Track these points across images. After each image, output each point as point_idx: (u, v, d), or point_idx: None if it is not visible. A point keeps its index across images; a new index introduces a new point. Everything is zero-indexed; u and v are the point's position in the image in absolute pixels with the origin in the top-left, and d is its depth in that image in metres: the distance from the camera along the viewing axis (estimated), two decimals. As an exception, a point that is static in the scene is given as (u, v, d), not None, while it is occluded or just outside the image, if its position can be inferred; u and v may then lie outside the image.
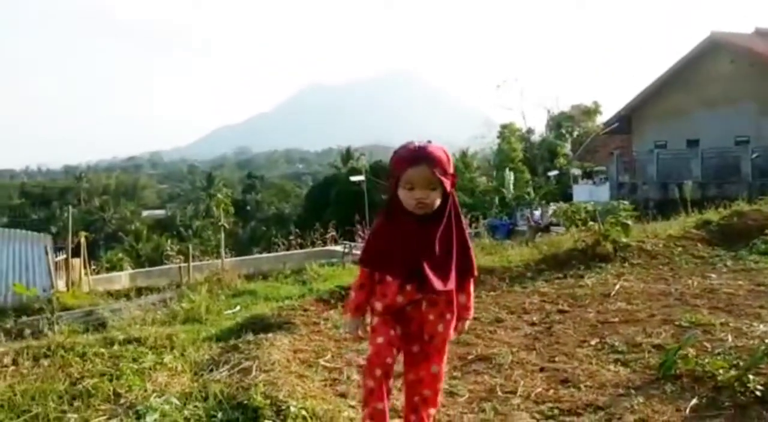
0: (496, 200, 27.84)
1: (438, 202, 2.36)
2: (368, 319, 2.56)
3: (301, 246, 21.35)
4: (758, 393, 2.97)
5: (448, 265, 2.38)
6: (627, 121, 29.42)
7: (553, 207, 16.54)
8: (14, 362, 3.89)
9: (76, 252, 15.79)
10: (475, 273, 2.54)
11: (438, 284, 2.35)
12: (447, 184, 2.34)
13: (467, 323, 2.64)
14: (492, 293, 5.84)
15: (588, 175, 31.33)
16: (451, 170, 2.37)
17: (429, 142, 2.40)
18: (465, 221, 2.53)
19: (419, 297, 2.41)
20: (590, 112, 43.49)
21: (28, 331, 6.66)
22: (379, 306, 2.45)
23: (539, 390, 3.28)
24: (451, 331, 2.51)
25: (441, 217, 2.39)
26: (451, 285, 2.39)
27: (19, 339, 5.82)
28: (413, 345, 2.51)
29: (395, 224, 2.41)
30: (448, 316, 2.47)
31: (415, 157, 2.33)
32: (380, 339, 2.44)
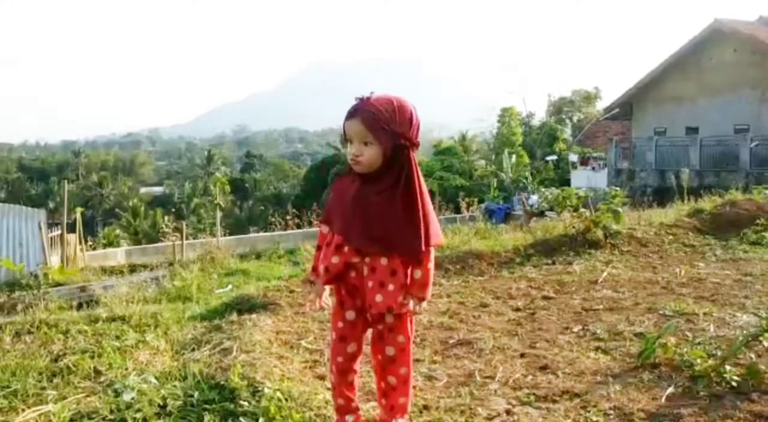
0: (494, 184, 27.79)
1: (377, 159, 2.16)
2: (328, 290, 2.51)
3: (298, 227, 21.35)
4: (734, 383, 2.99)
5: (391, 230, 2.19)
6: (627, 107, 29.29)
7: (547, 192, 16.53)
8: (-3, 338, 3.90)
9: (72, 228, 15.77)
10: (432, 244, 2.27)
11: (367, 244, 2.21)
12: (385, 140, 2.13)
13: (423, 304, 2.38)
14: (480, 278, 5.85)
15: (586, 160, 31.26)
16: (397, 128, 2.14)
17: (372, 93, 2.20)
18: (424, 187, 2.25)
19: (356, 260, 2.25)
20: (591, 97, 43.33)
21: (20, 306, 6.69)
22: (321, 268, 2.32)
23: (518, 375, 3.29)
24: (396, 305, 2.27)
25: (386, 177, 2.18)
26: (389, 249, 2.21)
27: (12, 314, 5.85)
28: (366, 315, 2.36)
29: (344, 181, 2.31)
30: (391, 287, 2.24)
31: (352, 110, 2.17)
32: (335, 335, 2.38)
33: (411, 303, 2.32)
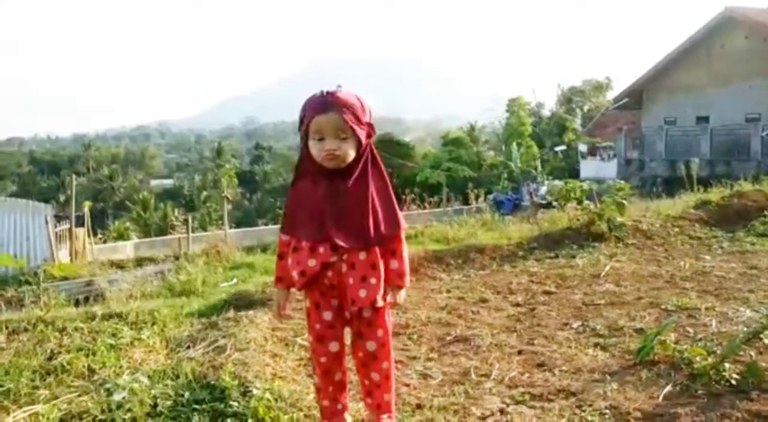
0: (503, 174, 27.66)
1: (351, 153, 2.15)
2: (298, 295, 2.49)
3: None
4: (733, 381, 2.94)
5: (365, 223, 2.18)
6: (637, 96, 29.04)
7: (557, 183, 16.42)
8: (-7, 336, 3.90)
9: (81, 222, 15.85)
10: (402, 229, 2.29)
11: (345, 240, 2.17)
12: (361, 133, 2.14)
13: (403, 293, 2.35)
14: (481, 272, 5.81)
15: (595, 150, 31.05)
16: (366, 119, 2.17)
17: (339, 87, 2.18)
18: (385, 174, 2.27)
19: (334, 259, 2.20)
20: (601, 87, 43.02)
21: (28, 301, 6.72)
22: (295, 274, 2.25)
23: (514, 373, 3.25)
24: (379, 298, 2.25)
25: (354, 171, 2.18)
26: (368, 241, 2.20)
27: (19, 309, 5.87)
28: (343, 313, 2.32)
29: (305, 184, 2.24)
30: (373, 281, 2.22)
31: (324, 102, 2.12)
32: (313, 336, 2.34)
33: (392, 295, 2.30)
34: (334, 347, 2.33)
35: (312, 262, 2.21)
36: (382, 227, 2.22)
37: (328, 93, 2.13)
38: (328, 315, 2.29)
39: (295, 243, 2.27)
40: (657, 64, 27.49)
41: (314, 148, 2.16)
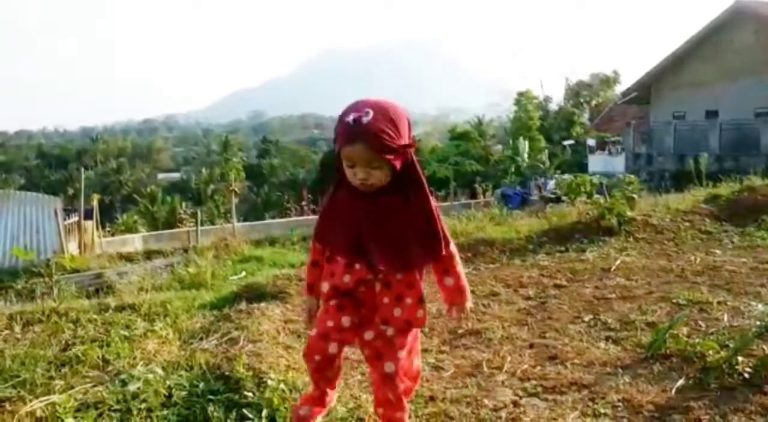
0: (511, 169, 27.61)
1: (386, 179, 2.03)
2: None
3: (314, 212, 21.42)
4: (746, 375, 2.93)
5: (404, 243, 2.08)
6: (646, 90, 28.91)
7: (566, 177, 16.40)
8: (8, 327, 3.94)
9: (89, 215, 15.93)
10: (450, 247, 2.18)
11: (385, 263, 2.07)
12: (396, 161, 1.99)
13: (465, 307, 2.25)
14: (491, 266, 5.81)
15: (603, 145, 30.94)
16: (402, 141, 1.99)
17: (368, 111, 1.96)
18: (427, 190, 2.12)
19: (370, 277, 2.11)
20: (609, 81, 42.84)
21: (39, 292, 6.77)
22: (326, 286, 2.18)
23: (526, 366, 3.26)
24: (416, 318, 2.17)
25: (395, 190, 2.06)
26: (408, 265, 2.11)
27: (30, 300, 5.92)
28: (366, 332, 2.19)
29: (343, 197, 2.13)
30: (409, 301, 2.14)
31: (350, 134, 1.96)
32: (317, 331, 2.19)
33: (456, 312, 2.24)
34: (333, 348, 2.16)
35: (347, 278, 2.13)
36: (425, 249, 2.11)
37: (355, 120, 1.95)
38: (346, 322, 2.15)
39: (330, 253, 2.20)
40: (666, 58, 27.34)
41: (347, 172, 2.05)
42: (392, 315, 2.14)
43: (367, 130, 1.93)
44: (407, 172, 2.06)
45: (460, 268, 2.24)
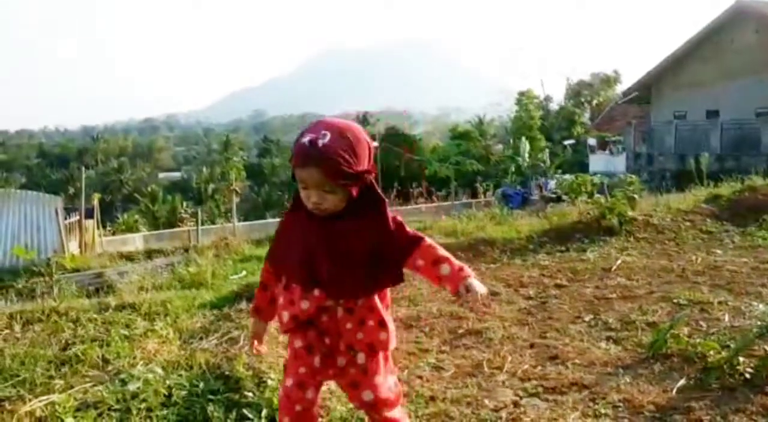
0: (511, 168, 27.59)
1: (340, 204, 1.92)
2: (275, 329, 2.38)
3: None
4: (747, 375, 2.93)
5: (360, 267, 1.96)
6: (646, 90, 28.89)
7: (567, 177, 16.40)
8: (8, 326, 3.94)
9: (90, 214, 15.93)
10: (426, 239, 2.05)
11: (341, 289, 1.99)
12: (350, 184, 1.88)
13: (472, 282, 1.94)
14: (492, 265, 5.80)
15: (604, 144, 30.92)
16: (360, 167, 1.88)
17: (324, 133, 1.85)
18: (388, 212, 2.00)
19: (330, 303, 2.01)
20: (610, 81, 42.83)
21: (39, 292, 6.77)
22: (285, 316, 2.06)
23: (526, 366, 3.26)
24: (379, 340, 2.05)
25: (351, 214, 1.95)
26: (365, 290, 2.01)
27: (31, 299, 5.92)
28: (338, 359, 2.07)
29: (299, 218, 2.01)
30: (371, 323, 2.03)
31: (304, 156, 1.85)
32: (291, 380, 2.10)
33: (466, 289, 1.93)
34: (311, 394, 2.10)
35: (305, 305, 2.02)
36: (383, 272, 2.01)
37: (311, 142, 1.84)
38: (318, 362, 2.05)
39: (285, 280, 2.09)
40: (667, 58, 27.32)
41: (302, 193, 1.95)
42: (355, 338, 2.03)
43: (322, 154, 1.82)
44: (365, 196, 1.95)
45: (445, 252, 2.05)
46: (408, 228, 2.04)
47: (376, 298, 2.05)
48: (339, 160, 1.82)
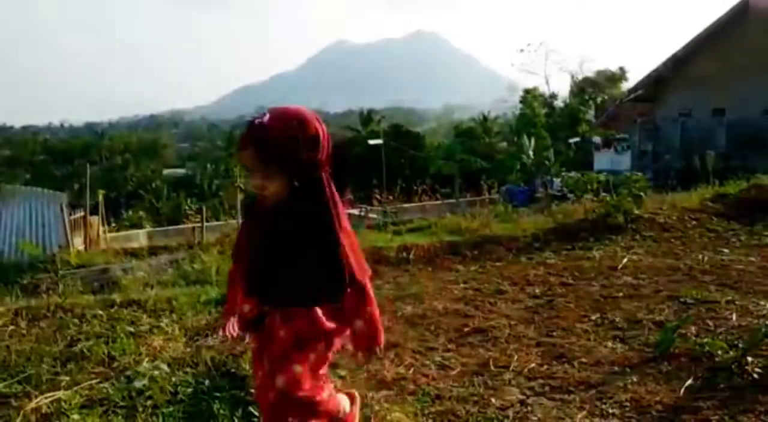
0: (517, 166, 27.54)
1: (284, 191, 1.79)
2: None
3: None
4: (756, 375, 2.91)
5: (298, 275, 1.79)
6: (652, 88, 28.75)
7: (572, 174, 16.35)
8: (13, 322, 3.94)
9: (95, 210, 15.96)
10: (358, 281, 1.86)
11: (276, 299, 1.85)
12: (289, 170, 1.76)
13: (375, 351, 1.97)
14: (497, 263, 5.79)
15: (609, 142, 30.83)
16: (302, 153, 1.75)
17: (264, 114, 1.77)
18: (342, 212, 1.85)
19: (267, 308, 1.88)
20: (615, 78, 42.67)
21: (43, 287, 6.78)
22: (235, 317, 2.02)
23: (533, 365, 3.24)
24: (311, 360, 1.87)
25: (295, 210, 1.80)
26: (299, 301, 1.83)
27: (36, 295, 5.93)
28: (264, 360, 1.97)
29: (258, 211, 1.90)
30: (309, 341, 1.87)
31: (242, 138, 1.77)
32: (260, 374, 1.97)
33: (361, 358, 1.95)
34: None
35: (246, 308, 1.92)
36: (321, 286, 1.82)
37: (252, 122, 1.77)
38: (261, 370, 1.96)
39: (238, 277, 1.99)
40: (673, 55, 27.18)
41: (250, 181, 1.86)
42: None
43: (257, 134, 1.73)
44: (310, 191, 1.80)
45: (373, 307, 1.91)
46: (355, 247, 1.87)
47: (318, 312, 1.85)
48: (273, 142, 1.72)
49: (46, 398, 2.72)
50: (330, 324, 1.85)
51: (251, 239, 1.88)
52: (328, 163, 1.82)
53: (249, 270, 1.86)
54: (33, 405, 2.66)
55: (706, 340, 3.31)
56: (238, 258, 1.98)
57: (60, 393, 2.75)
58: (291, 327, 1.83)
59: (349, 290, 1.83)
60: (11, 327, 3.85)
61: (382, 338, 1.97)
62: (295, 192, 1.79)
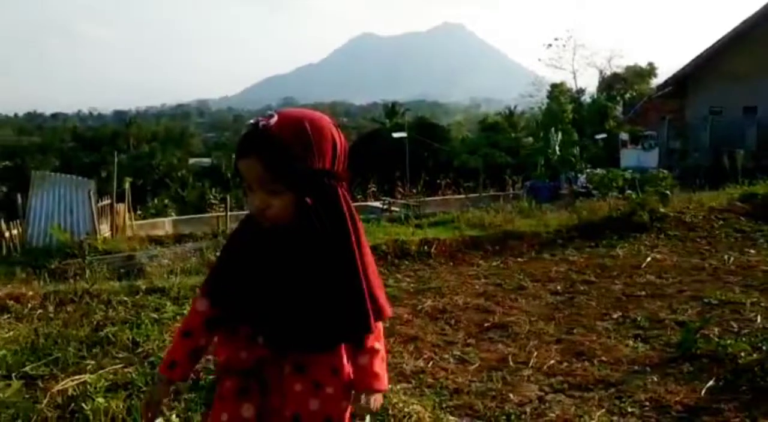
0: (542, 161, 27.32)
1: (291, 210, 1.42)
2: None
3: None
4: (779, 378, 2.88)
5: (316, 311, 1.44)
6: (682, 84, 28.31)
7: (598, 171, 16.18)
8: (42, 305, 4.03)
9: (121, 198, 16.17)
10: (386, 315, 1.53)
11: (288, 338, 1.46)
12: (300, 184, 1.40)
13: (376, 399, 1.55)
14: (519, 259, 5.78)
15: (636, 139, 30.45)
16: (317, 164, 1.40)
17: (271, 114, 1.44)
18: (362, 234, 1.51)
19: (271, 355, 1.49)
20: (644, 74, 42.07)
21: (70, 273, 6.91)
22: (222, 357, 1.56)
23: (552, 362, 3.24)
24: (339, 415, 1.53)
25: (307, 234, 1.43)
26: (319, 343, 1.48)
27: (63, 280, 6.05)
28: None
29: (249, 236, 1.51)
30: (329, 390, 1.50)
31: (243, 142, 1.42)
32: (224, 417, 1.51)
33: (362, 401, 1.53)
34: None
35: (244, 354, 1.51)
36: (344, 323, 1.47)
37: (254, 125, 1.42)
38: (248, 411, 1.51)
39: (226, 316, 1.54)
40: (704, 51, 26.70)
41: (247, 199, 1.51)
42: (307, 408, 1.51)
43: (264, 138, 1.38)
44: (328, 210, 1.44)
45: (380, 344, 1.56)
46: (375, 280, 1.51)
47: (342, 356, 1.53)
48: (283, 148, 1.38)
49: (72, 380, 2.78)
50: (348, 377, 1.54)
51: (250, 266, 1.48)
52: (345, 175, 1.50)
53: (252, 309, 1.47)
54: (59, 387, 2.73)
55: (729, 342, 3.28)
56: (222, 295, 1.52)
57: (86, 376, 2.81)
58: (307, 377, 1.50)
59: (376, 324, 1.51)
60: (39, 311, 3.94)
61: (386, 381, 1.58)
62: (306, 210, 1.42)
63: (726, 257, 5.59)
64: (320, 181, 1.43)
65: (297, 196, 1.41)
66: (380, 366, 1.55)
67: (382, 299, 1.53)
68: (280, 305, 1.45)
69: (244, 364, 1.50)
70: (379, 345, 1.56)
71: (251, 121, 1.44)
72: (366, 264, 1.49)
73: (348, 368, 1.54)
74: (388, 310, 1.55)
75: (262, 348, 1.49)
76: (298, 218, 1.43)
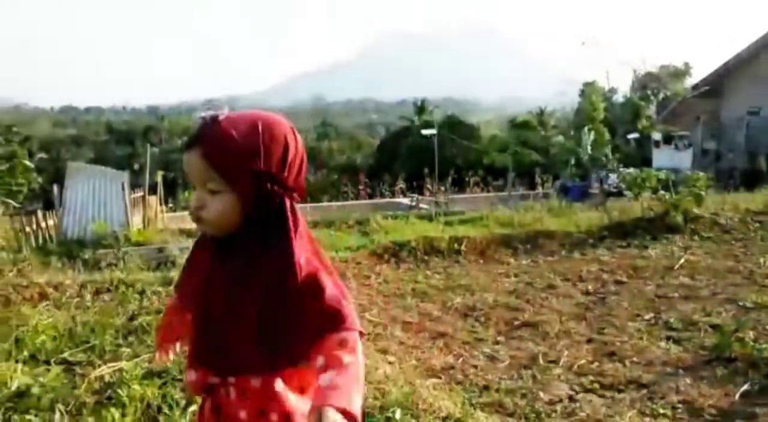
0: (572, 160, 27.03)
1: (231, 215, 1.25)
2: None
3: (370, 197, 21.53)
4: (816, 384, 2.83)
5: (256, 331, 1.25)
6: (718, 84, 27.78)
7: (631, 171, 15.96)
8: (78, 294, 4.12)
9: (154, 190, 16.40)
10: (346, 327, 1.21)
11: (222, 367, 1.31)
12: (243, 184, 1.23)
13: (334, 417, 1.09)
14: (549, 258, 5.75)
15: (669, 139, 29.96)
16: (262, 164, 1.23)
17: (222, 111, 1.33)
18: (321, 250, 1.29)
19: (216, 381, 1.33)
20: (679, 74, 41.35)
21: (104, 263, 7.05)
22: (185, 378, 1.43)
23: (583, 361, 3.22)
24: None
25: (248, 247, 1.27)
26: (258, 367, 1.27)
27: (97, 270, 6.18)
28: None
29: (204, 247, 1.38)
30: (274, 417, 1.30)
31: (189, 137, 1.31)
32: None
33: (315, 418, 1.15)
34: None
35: (192, 376, 1.37)
36: (286, 345, 1.25)
37: (205, 120, 1.30)
38: None
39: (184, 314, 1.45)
40: (741, 51, 26.17)
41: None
42: None
43: (208, 132, 1.27)
44: (272, 219, 1.26)
45: (351, 357, 1.19)
46: (328, 291, 1.23)
47: (279, 382, 1.30)
48: (228, 143, 1.24)
49: (108, 367, 2.85)
50: (293, 403, 1.32)
51: (202, 280, 1.36)
52: (296, 186, 1.31)
53: (203, 320, 1.35)
54: (97, 373, 2.79)
55: (764, 346, 3.23)
56: (187, 300, 1.43)
57: (122, 363, 2.87)
58: (250, 403, 1.32)
59: (329, 337, 1.21)
60: (77, 299, 4.04)
61: (356, 400, 1.13)
62: (249, 219, 1.27)
63: (762, 260, 5.49)
64: (261, 185, 1.25)
65: (239, 198, 1.25)
66: (345, 381, 1.19)
67: (345, 308, 1.24)
68: (211, 323, 1.32)
69: (195, 385, 1.37)
70: (350, 357, 1.21)
71: (201, 114, 1.32)
72: (315, 282, 1.24)
73: (287, 395, 1.31)
74: (350, 321, 1.23)
75: (204, 373, 1.34)
76: (241, 228, 1.27)
